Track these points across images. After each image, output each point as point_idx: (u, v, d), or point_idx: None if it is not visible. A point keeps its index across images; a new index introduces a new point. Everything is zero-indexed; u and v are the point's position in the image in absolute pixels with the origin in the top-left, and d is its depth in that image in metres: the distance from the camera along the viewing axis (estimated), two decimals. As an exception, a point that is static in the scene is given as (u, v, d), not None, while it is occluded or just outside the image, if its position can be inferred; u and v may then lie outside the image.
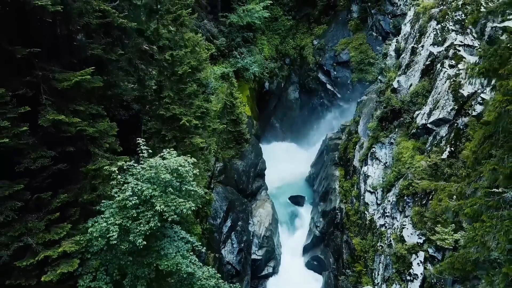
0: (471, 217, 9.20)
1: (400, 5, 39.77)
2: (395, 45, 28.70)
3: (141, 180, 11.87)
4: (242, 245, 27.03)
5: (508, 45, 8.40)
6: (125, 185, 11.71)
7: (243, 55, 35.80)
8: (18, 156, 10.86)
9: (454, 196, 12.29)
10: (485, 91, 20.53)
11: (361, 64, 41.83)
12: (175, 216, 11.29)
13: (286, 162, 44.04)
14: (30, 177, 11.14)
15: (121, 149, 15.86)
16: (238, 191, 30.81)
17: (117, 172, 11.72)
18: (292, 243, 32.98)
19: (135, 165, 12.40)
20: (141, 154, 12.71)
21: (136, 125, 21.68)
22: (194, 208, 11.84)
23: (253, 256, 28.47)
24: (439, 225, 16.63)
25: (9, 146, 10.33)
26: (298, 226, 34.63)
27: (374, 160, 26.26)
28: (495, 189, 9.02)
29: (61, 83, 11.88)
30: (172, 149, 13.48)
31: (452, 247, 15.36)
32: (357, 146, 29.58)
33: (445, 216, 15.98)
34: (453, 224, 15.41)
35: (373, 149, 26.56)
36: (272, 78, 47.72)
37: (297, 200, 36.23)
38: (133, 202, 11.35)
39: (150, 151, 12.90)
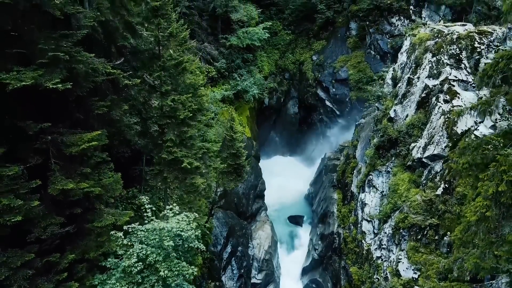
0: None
1: (397, 25, 40.35)
2: (392, 73, 29.26)
3: (145, 242, 12.45)
4: (242, 270, 27.62)
5: (489, 145, 8.98)
6: (131, 250, 12.27)
7: (243, 77, 36.33)
8: (28, 224, 11.42)
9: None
10: (478, 129, 21.10)
11: (359, 83, 42.36)
12: (179, 281, 11.87)
13: (286, 177, 44.66)
14: (39, 243, 11.72)
15: (125, 192, 16.47)
16: (238, 214, 31.40)
17: (122, 237, 12.29)
18: (291, 264, 33.58)
19: (140, 227, 12.96)
20: (145, 214, 13.30)
21: (139, 157, 22.37)
22: (196, 273, 12.42)
23: (253, 280, 29.07)
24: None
25: (20, 217, 10.89)
26: (297, 246, 35.24)
27: (371, 188, 26.82)
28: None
29: (69, 148, 12.43)
30: (175, 204, 14.03)
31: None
32: (354, 171, 30.15)
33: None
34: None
35: (370, 176, 27.12)
36: (271, 93, 48.30)
37: (296, 220, 36.82)
38: (138, 268, 11.92)
39: (154, 208, 13.46)
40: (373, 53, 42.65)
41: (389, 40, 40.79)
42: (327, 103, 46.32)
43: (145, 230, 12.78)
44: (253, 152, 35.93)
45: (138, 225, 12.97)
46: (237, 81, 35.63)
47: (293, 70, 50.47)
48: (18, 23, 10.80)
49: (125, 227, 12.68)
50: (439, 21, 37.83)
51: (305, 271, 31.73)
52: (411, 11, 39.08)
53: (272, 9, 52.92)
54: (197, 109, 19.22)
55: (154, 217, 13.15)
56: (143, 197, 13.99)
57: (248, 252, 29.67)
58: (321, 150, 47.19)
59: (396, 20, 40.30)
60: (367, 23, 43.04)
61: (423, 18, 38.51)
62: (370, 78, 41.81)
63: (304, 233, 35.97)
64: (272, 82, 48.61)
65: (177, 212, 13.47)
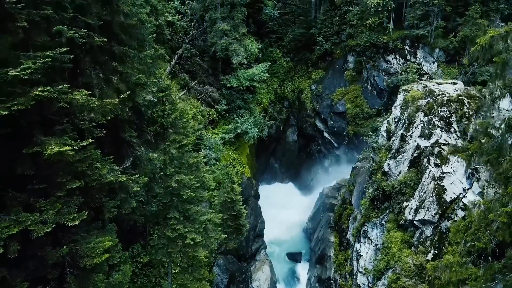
0: None
1: (393, 63, 41.38)
2: (386, 126, 30.32)
3: None
4: (242, 318, 28.82)
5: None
6: None
7: (243, 118, 37.43)
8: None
9: None
10: (466, 196, 22.26)
11: (356, 118, 43.44)
12: None
13: (285, 207, 45.83)
14: None
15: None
16: (238, 257, 32.53)
17: None
18: (290, 303, 34.86)
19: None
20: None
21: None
22: None
23: (253, 325, 30.29)
24: None
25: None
26: (295, 284, 36.41)
27: (366, 239, 27.97)
28: None
29: (83, 259, 13.56)
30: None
31: None
32: (350, 218, 31.28)
33: None
34: None
35: (365, 227, 28.25)
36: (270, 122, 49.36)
37: (294, 257, 37.99)
38: None
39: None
40: (370, 88, 43.69)
41: (385, 78, 41.82)
42: (326, 134, 47.48)
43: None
44: (253, 192, 37.04)
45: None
46: (237, 123, 36.72)
47: (292, 98, 51.57)
48: (39, 166, 11.94)
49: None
50: (433, 63, 38.99)
51: (303, 312, 32.96)
52: (406, 51, 40.13)
53: (272, 37, 54.15)
54: (199, 186, 20.38)
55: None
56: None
57: (248, 297, 30.87)
58: (320, 180, 48.38)
59: (392, 59, 41.31)
60: (364, 58, 44.05)
61: (417, 59, 39.59)
62: (367, 114, 43.01)
63: (302, 270, 37.15)
64: (272, 111, 49.90)
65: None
